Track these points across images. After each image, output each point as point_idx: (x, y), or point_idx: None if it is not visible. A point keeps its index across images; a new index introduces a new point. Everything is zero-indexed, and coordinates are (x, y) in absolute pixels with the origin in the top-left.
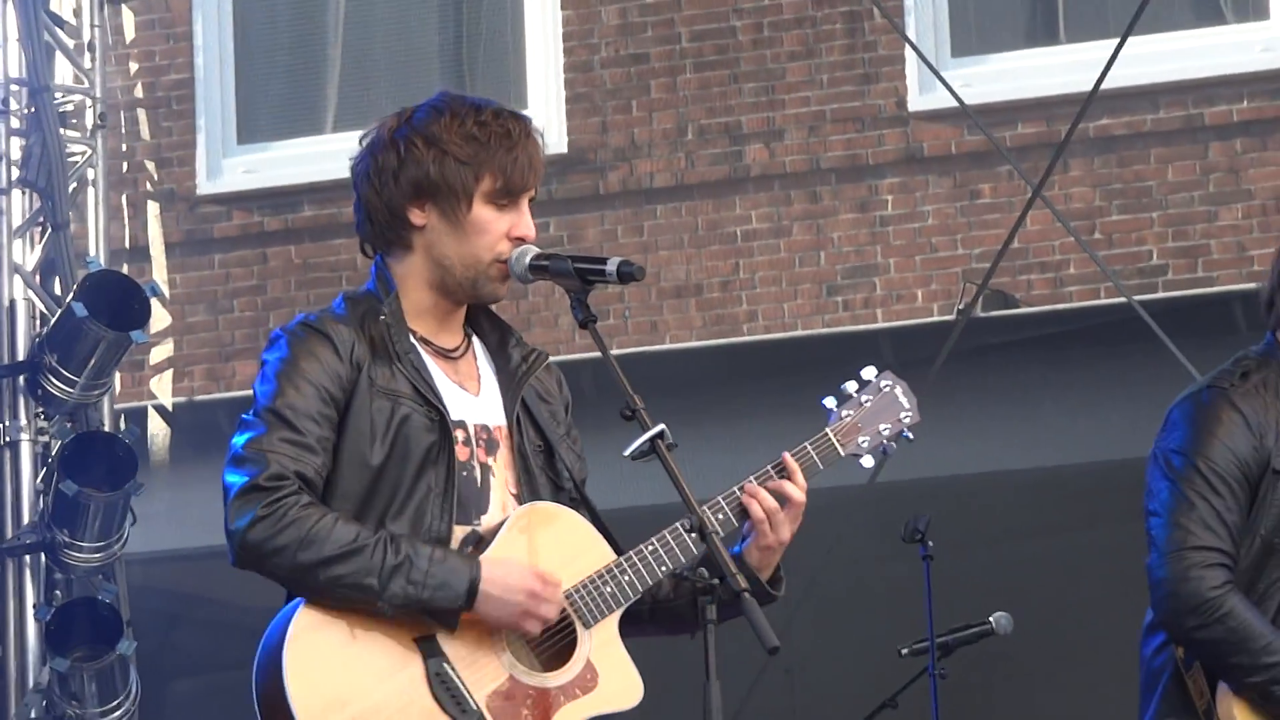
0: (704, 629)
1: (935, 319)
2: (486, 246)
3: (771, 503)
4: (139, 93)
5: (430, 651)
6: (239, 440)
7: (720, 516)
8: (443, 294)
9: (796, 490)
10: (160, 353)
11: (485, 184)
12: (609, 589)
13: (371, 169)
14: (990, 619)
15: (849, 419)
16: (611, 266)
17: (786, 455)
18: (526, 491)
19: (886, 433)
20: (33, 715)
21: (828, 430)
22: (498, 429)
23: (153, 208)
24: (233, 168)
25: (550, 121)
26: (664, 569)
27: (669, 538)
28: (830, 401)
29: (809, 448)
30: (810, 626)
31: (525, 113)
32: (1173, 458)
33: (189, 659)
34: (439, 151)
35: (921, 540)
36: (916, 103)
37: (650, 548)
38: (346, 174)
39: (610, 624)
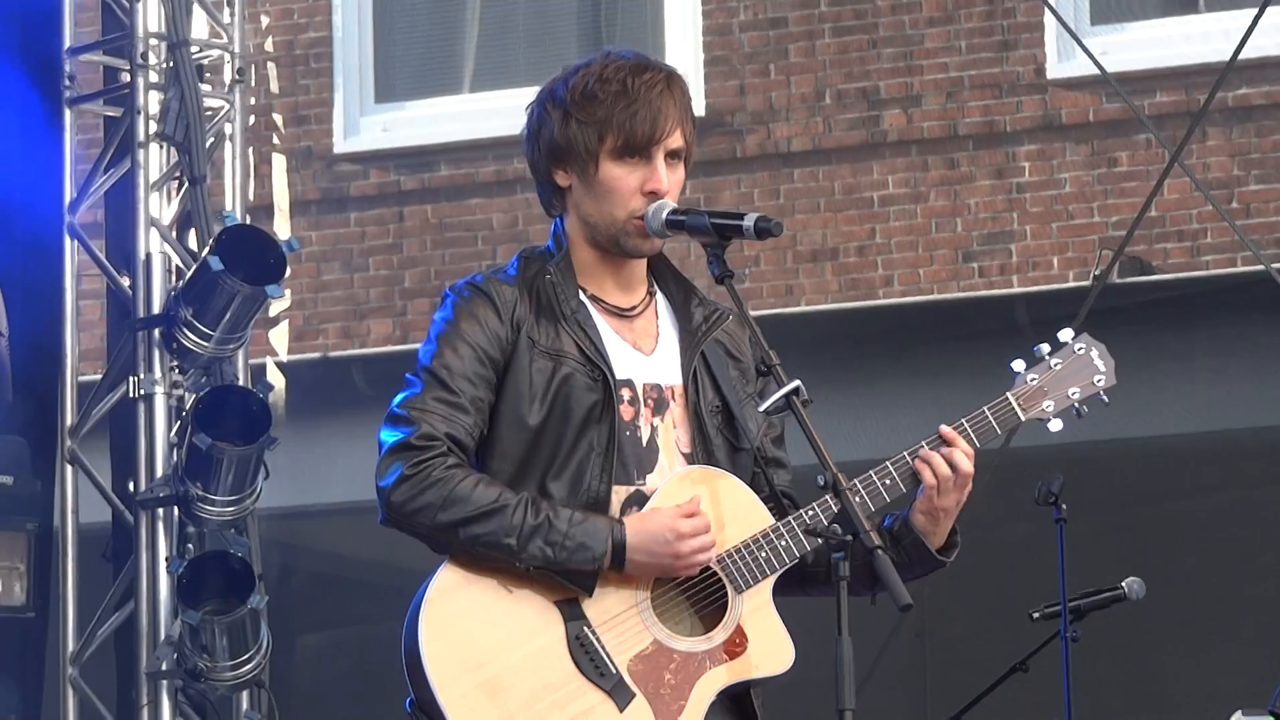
0: (836, 585)
1: (1071, 285)
2: (620, 204)
3: (945, 470)
4: (275, 49)
5: (571, 615)
6: (397, 399)
7: (888, 481)
8: (601, 251)
9: (964, 459)
10: (277, 306)
11: (608, 142)
12: (764, 554)
13: (526, 135)
14: (1122, 584)
15: (1034, 383)
16: (749, 222)
17: (945, 428)
18: (701, 453)
19: (1076, 395)
20: (164, 667)
21: (1008, 395)
22: (670, 388)
23: (278, 163)
24: (370, 126)
25: (688, 84)
26: (821, 527)
27: (829, 503)
28: (1019, 364)
29: (987, 412)
30: (941, 590)
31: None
32: None
33: (309, 613)
34: (563, 113)
35: (1055, 503)
36: (1055, 70)
37: (810, 512)
38: (483, 134)
39: (764, 589)
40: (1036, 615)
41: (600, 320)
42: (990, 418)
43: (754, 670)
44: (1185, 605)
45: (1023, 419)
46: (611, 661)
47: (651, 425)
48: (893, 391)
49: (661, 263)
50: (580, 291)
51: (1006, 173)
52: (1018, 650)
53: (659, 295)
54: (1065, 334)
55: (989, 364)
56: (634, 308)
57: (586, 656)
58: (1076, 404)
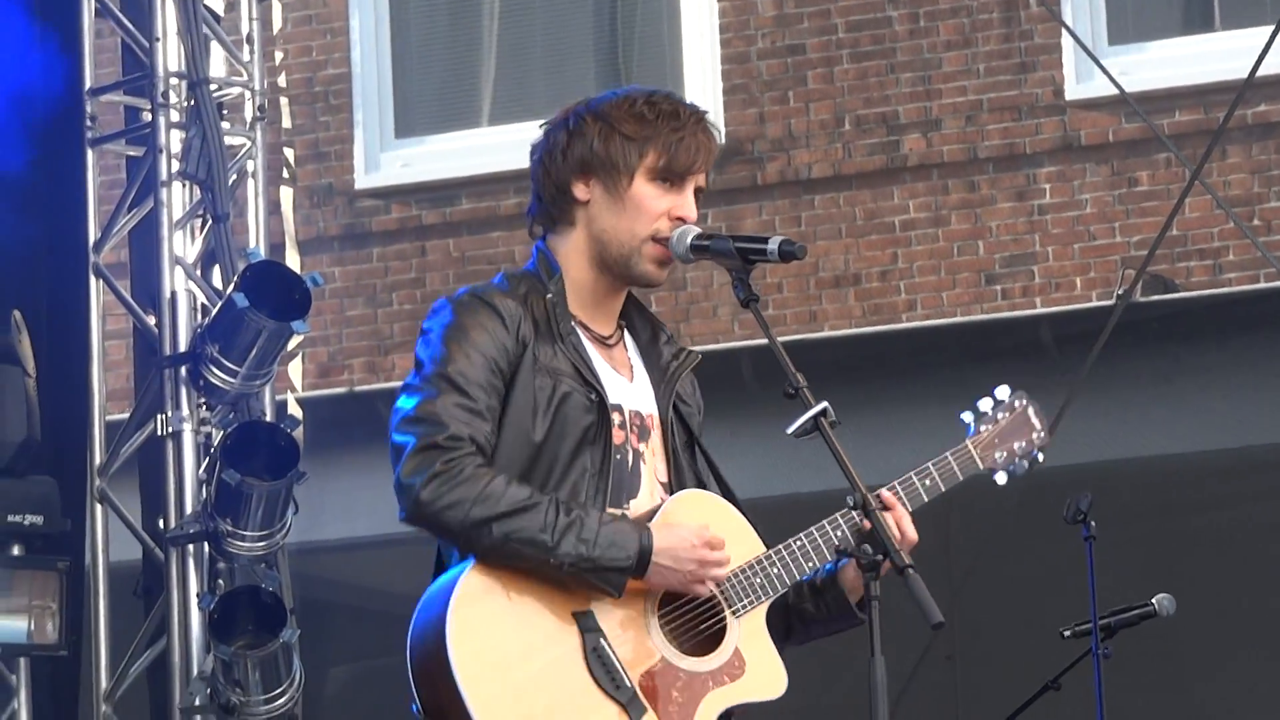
0: (868, 605)
1: (1094, 304)
2: (645, 223)
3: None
4: (293, 85)
5: (587, 627)
6: (408, 403)
7: (840, 534)
8: (602, 271)
9: (908, 525)
10: (294, 341)
11: (649, 160)
12: (758, 580)
13: (545, 147)
14: (1153, 600)
15: (986, 433)
16: (773, 245)
17: (884, 492)
18: (676, 484)
19: (1020, 450)
20: (197, 703)
21: (967, 443)
22: (650, 417)
23: (286, 197)
24: (390, 161)
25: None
26: (811, 565)
27: (817, 535)
28: (968, 417)
29: (950, 457)
30: (971, 610)
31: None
32: None
33: (335, 647)
34: (607, 128)
35: (1084, 521)
36: (1073, 91)
37: (799, 544)
38: (503, 167)
39: (758, 615)
40: (1068, 633)
41: (588, 345)
42: (953, 462)
43: (752, 694)
44: (1214, 620)
45: (980, 467)
46: (626, 675)
47: (636, 450)
48: (917, 415)
49: (629, 300)
50: (571, 316)
51: (1027, 195)
52: (1049, 669)
53: (625, 331)
54: (1003, 390)
55: (1014, 385)
56: (611, 336)
57: (603, 669)
58: (1018, 459)
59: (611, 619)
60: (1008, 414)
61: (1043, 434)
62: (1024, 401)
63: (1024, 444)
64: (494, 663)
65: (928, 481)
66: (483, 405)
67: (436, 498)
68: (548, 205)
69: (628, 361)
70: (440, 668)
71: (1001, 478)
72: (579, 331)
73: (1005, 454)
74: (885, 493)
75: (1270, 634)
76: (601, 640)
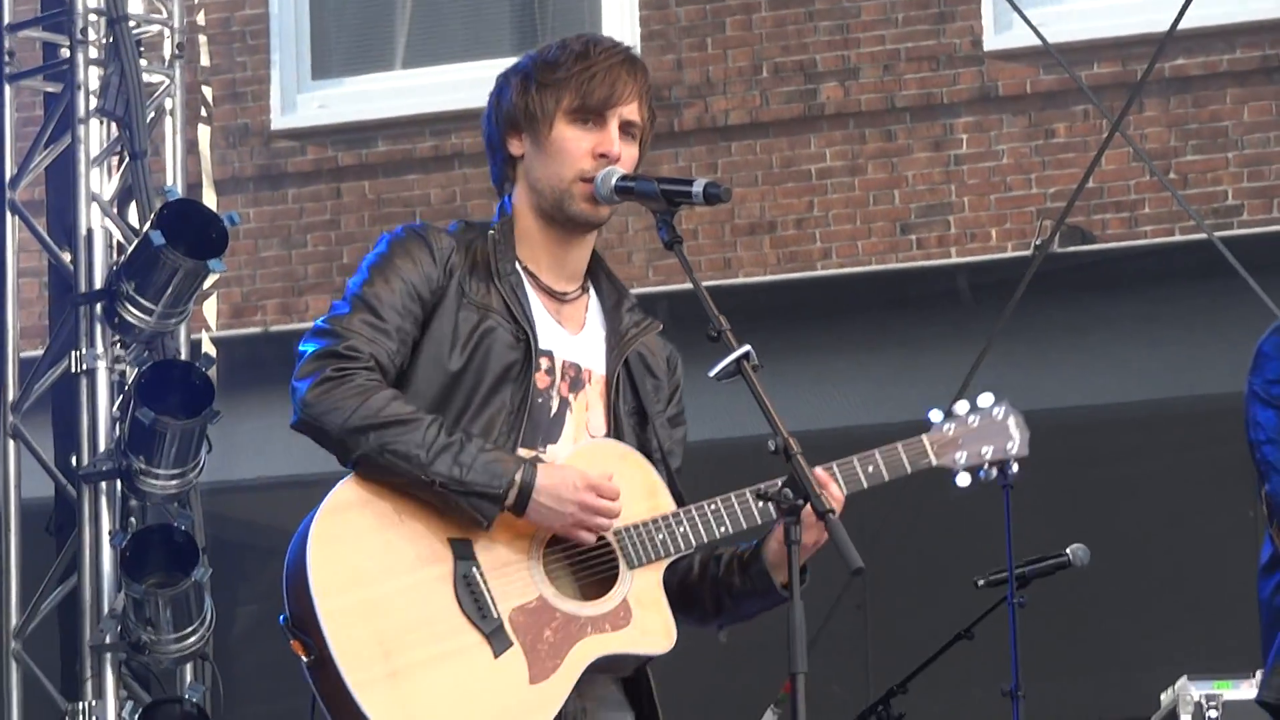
0: (789, 548)
1: (1009, 255)
2: (570, 164)
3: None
4: (211, 25)
5: (462, 554)
6: (322, 318)
7: (760, 505)
8: (547, 222)
9: (836, 488)
10: (209, 280)
11: (565, 102)
12: (660, 536)
13: (486, 113)
14: (1067, 550)
15: (949, 432)
16: (698, 188)
17: (819, 470)
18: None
19: (989, 455)
20: (108, 640)
21: (923, 436)
22: (589, 372)
23: (204, 135)
24: (306, 103)
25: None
26: (723, 530)
27: (735, 502)
28: (936, 415)
29: (900, 448)
30: (883, 559)
31: None
32: (1272, 388)
33: (245, 587)
34: (525, 80)
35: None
36: (992, 41)
37: (713, 507)
38: (420, 110)
39: (655, 570)
40: (982, 583)
41: (531, 292)
42: (902, 453)
43: (633, 645)
44: (1125, 570)
45: (933, 463)
46: (495, 607)
47: (564, 399)
48: (831, 363)
49: (598, 264)
50: (516, 261)
51: (944, 145)
52: (960, 619)
53: (591, 294)
54: (985, 398)
55: (928, 335)
56: (566, 294)
57: (471, 597)
58: (985, 463)
59: (491, 552)
60: (981, 418)
61: (1019, 445)
62: (1004, 411)
63: (993, 450)
64: (351, 576)
65: (870, 468)
66: (392, 326)
67: (319, 400)
68: (494, 164)
69: (580, 319)
70: (298, 576)
71: (963, 479)
72: (524, 278)
73: (968, 455)
74: (820, 470)
75: (1182, 584)
76: (474, 569)
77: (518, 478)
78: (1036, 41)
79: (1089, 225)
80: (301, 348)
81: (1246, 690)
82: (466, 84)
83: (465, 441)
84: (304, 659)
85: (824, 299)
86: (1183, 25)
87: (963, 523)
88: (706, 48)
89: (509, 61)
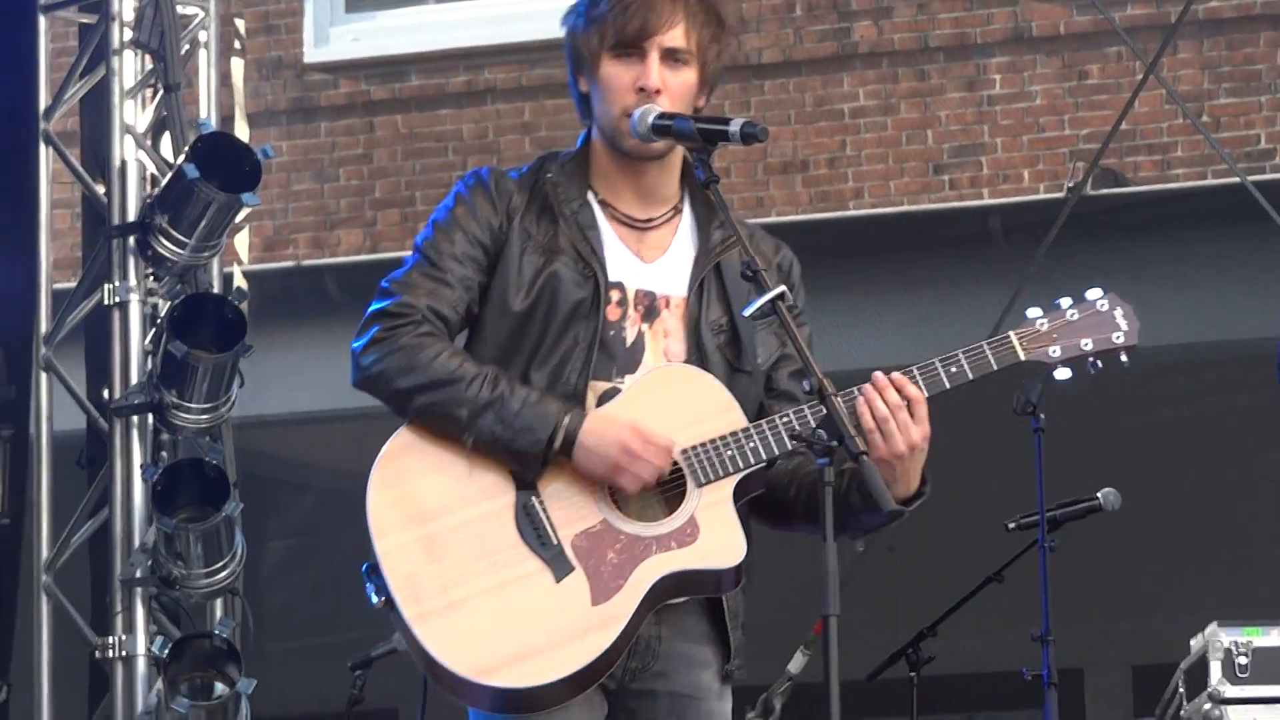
0: (821, 490)
1: (1041, 196)
2: (615, 101)
3: (882, 409)
4: None
5: (524, 484)
6: (385, 278)
7: (819, 414)
8: (613, 153)
9: (915, 388)
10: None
11: (607, 38)
12: (729, 452)
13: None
14: (1098, 494)
15: (1042, 326)
16: (735, 127)
17: (896, 375)
18: (695, 364)
19: (1089, 346)
20: (138, 574)
21: (1010, 332)
22: (665, 298)
23: (236, 68)
24: (340, 36)
25: None
26: (794, 442)
27: (808, 413)
28: (1034, 310)
29: (984, 345)
30: None
31: None
32: None
33: (277, 522)
34: (577, 18)
35: (1033, 413)
36: None
37: (785, 419)
38: (454, 44)
39: (724, 486)
40: (1013, 526)
41: (604, 223)
42: (988, 352)
43: (700, 560)
44: (1156, 515)
45: (1022, 358)
46: (555, 533)
47: (639, 329)
48: (863, 303)
49: (690, 184)
50: (591, 194)
51: (977, 85)
52: (990, 562)
53: (687, 213)
54: (1093, 292)
55: (960, 276)
56: (650, 220)
57: (530, 525)
58: (1091, 355)
59: (556, 480)
60: (1081, 310)
61: (1126, 334)
62: (1110, 302)
63: (1097, 341)
64: (409, 515)
65: (953, 369)
66: (453, 277)
67: (371, 363)
68: (577, 102)
69: (665, 244)
70: (365, 521)
71: (1062, 372)
72: (595, 209)
73: (1065, 348)
74: (898, 375)
75: (1212, 529)
76: (534, 499)
77: (561, 431)
78: None
79: (1121, 168)
80: (368, 308)
81: (1277, 637)
82: (500, 19)
83: (509, 394)
84: (377, 602)
85: (856, 239)
86: None
87: (993, 465)
88: None
89: None
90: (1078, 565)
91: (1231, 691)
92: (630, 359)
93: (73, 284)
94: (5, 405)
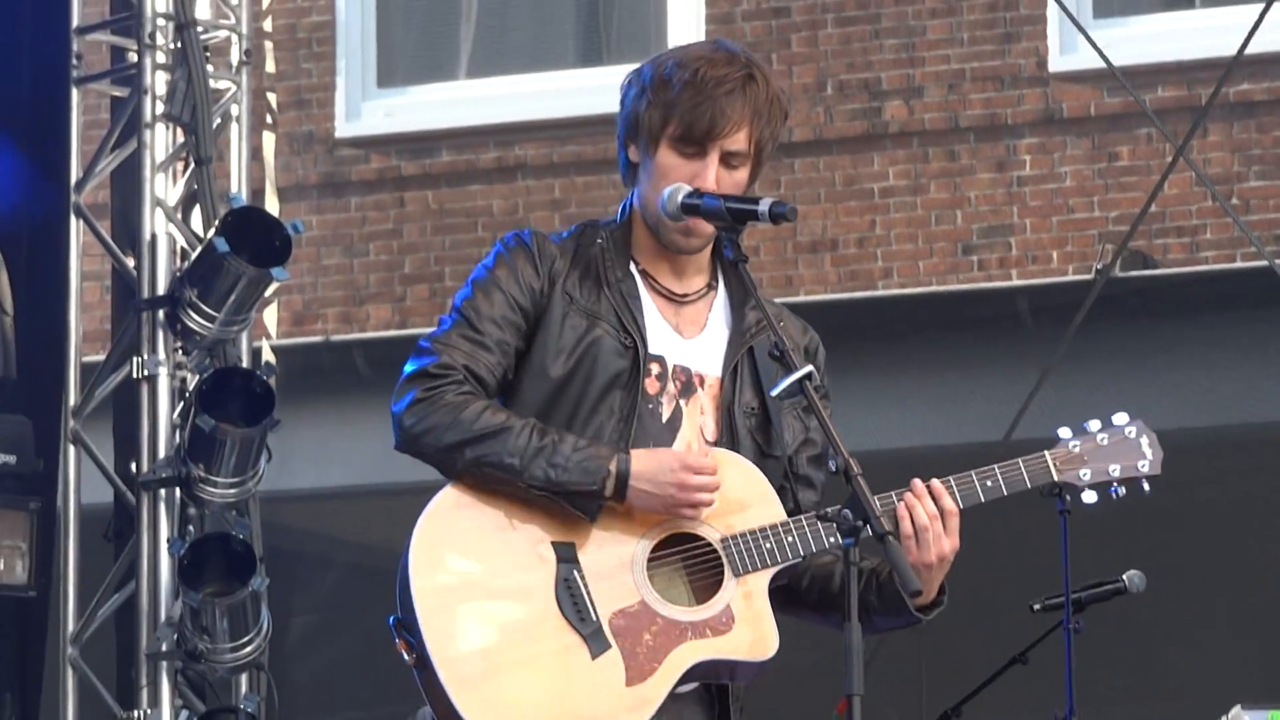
0: (846, 570)
1: (1070, 278)
2: (664, 189)
3: (922, 518)
4: (277, 31)
5: (565, 557)
6: (425, 337)
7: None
8: (655, 234)
9: (951, 501)
10: (270, 287)
11: (670, 128)
12: (769, 545)
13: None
14: (1124, 576)
15: (1075, 448)
16: (764, 206)
17: (935, 482)
18: (727, 447)
19: (1116, 473)
20: (164, 648)
21: (1046, 453)
22: (700, 376)
23: (268, 142)
24: (372, 111)
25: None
26: (833, 540)
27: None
28: (1065, 431)
29: (1020, 464)
30: None
31: None
32: None
33: (304, 597)
34: (640, 91)
35: (1059, 494)
36: (1057, 63)
37: (824, 511)
38: (484, 120)
39: (761, 578)
40: (1038, 607)
41: (646, 296)
42: (1023, 469)
43: (733, 651)
44: (1181, 597)
45: (1055, 479)
46: (594, 609)
47: (676, 405)
48: (891, 384)
49: (724, 263)
50: (633, 264)
51: (1007, 166)
52: (1015, 643)
53: (720, 290)
54: (1120, 416)
55: (987, 357)
56: (687, 295)
57: (570, 599)
58: (1116, 481)
59: (595, 555)
60: (1111, 436)
61: (1151, 464)
62: (1137, 429)
63: (1124, 469)
64: (451, 578)
65: (989, 483)
66: (492, 340)
67: (414, 423)
68: (622, 165)
69: (702, 320)
70: (403, 577)
71: (1089, 495)
72: (639, 281)
73: (1093, 473)
74: (936, 483)
75: (1238, 612)
76: (575, 572)
77: (613, 468)
78: (1101, 64)
79: (1150, 250)
80: (404, 367)
81: None
82: (531, 95)
83: (559, 442)
84: (407, 659)
85: (884, 319)
86: (1248, 51)
87: (1020, 547)
88: (772, 63)
89: (572, 73)
90: (1102, 647)
91: None
92: (665, 435)
93: (101, 356)
94: (33, 477)
